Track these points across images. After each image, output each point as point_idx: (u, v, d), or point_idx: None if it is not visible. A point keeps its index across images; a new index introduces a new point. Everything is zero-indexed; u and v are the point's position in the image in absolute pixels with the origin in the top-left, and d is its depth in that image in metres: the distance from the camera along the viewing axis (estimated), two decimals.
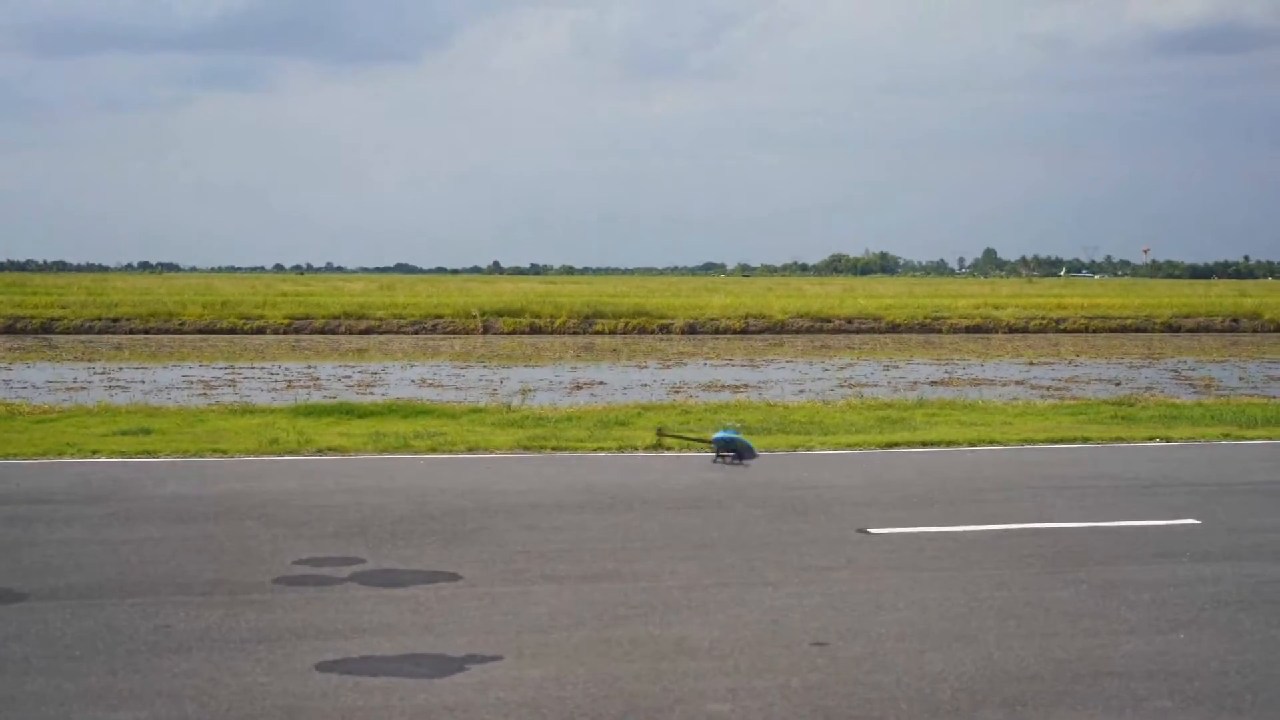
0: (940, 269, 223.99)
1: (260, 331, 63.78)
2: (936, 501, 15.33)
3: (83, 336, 60.59)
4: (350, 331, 64.37)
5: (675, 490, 16.00)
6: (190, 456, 18.60)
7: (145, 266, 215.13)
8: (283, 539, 12.84)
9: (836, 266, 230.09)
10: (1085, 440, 21.15)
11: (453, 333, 64.68)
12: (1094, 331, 69.47)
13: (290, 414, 23.95)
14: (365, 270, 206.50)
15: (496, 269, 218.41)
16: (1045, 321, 71.60)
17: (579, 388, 35.08)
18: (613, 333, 64.87)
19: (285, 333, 63.82)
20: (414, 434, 20.83)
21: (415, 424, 22.35)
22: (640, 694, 8.34)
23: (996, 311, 75.15)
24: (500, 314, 68.63)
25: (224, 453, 18.94)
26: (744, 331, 66.50)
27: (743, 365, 45.22)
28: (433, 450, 19.38)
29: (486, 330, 64.88)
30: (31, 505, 14.62)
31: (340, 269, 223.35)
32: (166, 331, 63.21)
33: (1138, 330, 70.77)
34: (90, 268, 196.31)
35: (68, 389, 33.24)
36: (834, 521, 13.97)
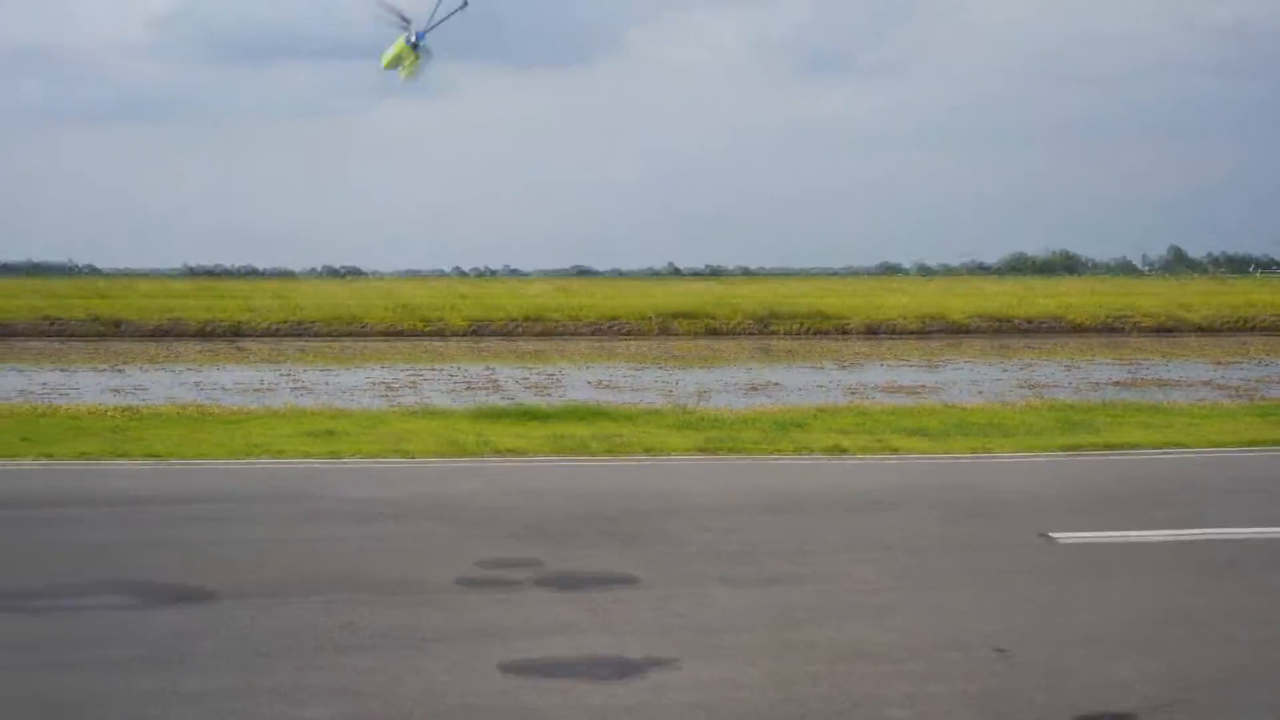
0: (1125, 268, 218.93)
1: (441, 334, 64.70)
2: (1120, 506, 15.02)
3: (270, 340, 62.06)
4: (528, 334, 65.04)
5: (852, 493, 15.90)
6: (373, 458, 18.94)
7: (330, 271, 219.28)
8: (464, 540, 13.02)
9: (1016, 266, 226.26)
10: (1276, 443, 20.54)
11: (629, 335, 64.94)
12: None
13: (470, 416, 24.27)
14: (543, 272, 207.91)
15: (673, 270, 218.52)
16: (1234, 321, 69.69)
17: (755, 389, 35.02)
18: (789, 334, 64.59)
19: (465, 335, 64.67)
20: (591, 436, 20.96)
21: (593, 426, 22.48)
22: (816, 698, 8.30)
23: (1184, 311, 73.33)
24: (677, 316, 68.75)
25: (406, 454, 19.24)
26: (922, 333, 65.78)
27: (920, 367, 44.77)
28: (610, 453, 19.48)
29: (663, 333, 65.04)
30: (220, 504, 15.04)
31: (518, 271, 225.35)
32: (350, 335, 64.44)
33: None
34: (277, 273, 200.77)
35: (255, 391, 34.10)
36: (1014, 525, 13.76)
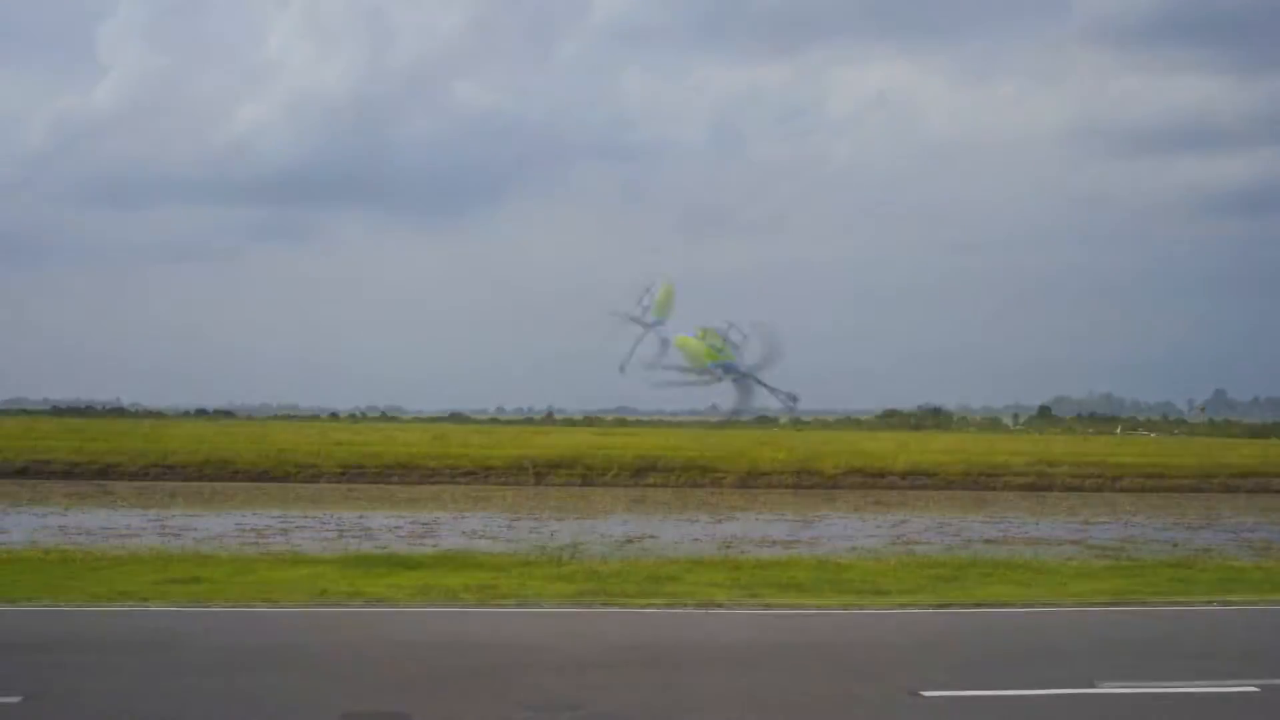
0: (994, 424, 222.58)
1: (314, 480, 63.95)
2: (989, 663, 15.12)
3: (138, 483, 60.93)
4: (403, 481, 64.50)
5: (726, 647, 15.86)
6: (240, 606, 18.59)
7: (201, 412, 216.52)
8: (330, 692, 12.78)
9: (890, 420, 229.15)
10: (1142, 601, 20.83)
11: (505, 483, 64.64)
12: (1151, 490, 68.76)
13: (340, 564, 23.95)
14: (421, 415, 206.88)
15: (549, 418, 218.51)
16: (1101, 479, 70.92)
17: (630, 541, 34.92)
18: (665, 485, 64.65)
19: (339, 481, 63.98)
20: (463, 586, 20.77)
21: (465, 576, 22.28)
22: None
23: (1051, 469, 74.53)
24: (553, 466, 68.61)
25: (273, 603, 18.92)
26: (796, 486, 66.17)
27: (795, 520, 44.96)
28: (482, 603, 19.29)
29: (539, 481, 64.84)
30: (80, 653, 14.64)
31: (398, 409, 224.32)
32: (221, 479, 63.48)
33: (1195, 490, 69.96)
34: (148, 412, 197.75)
35: (121, 535, 33.39)
36: (885, 681, 13.79)
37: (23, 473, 63.61)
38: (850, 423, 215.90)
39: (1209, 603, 21.05)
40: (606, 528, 39.55)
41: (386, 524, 39.67)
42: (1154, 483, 70.93)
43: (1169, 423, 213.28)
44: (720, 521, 43.70)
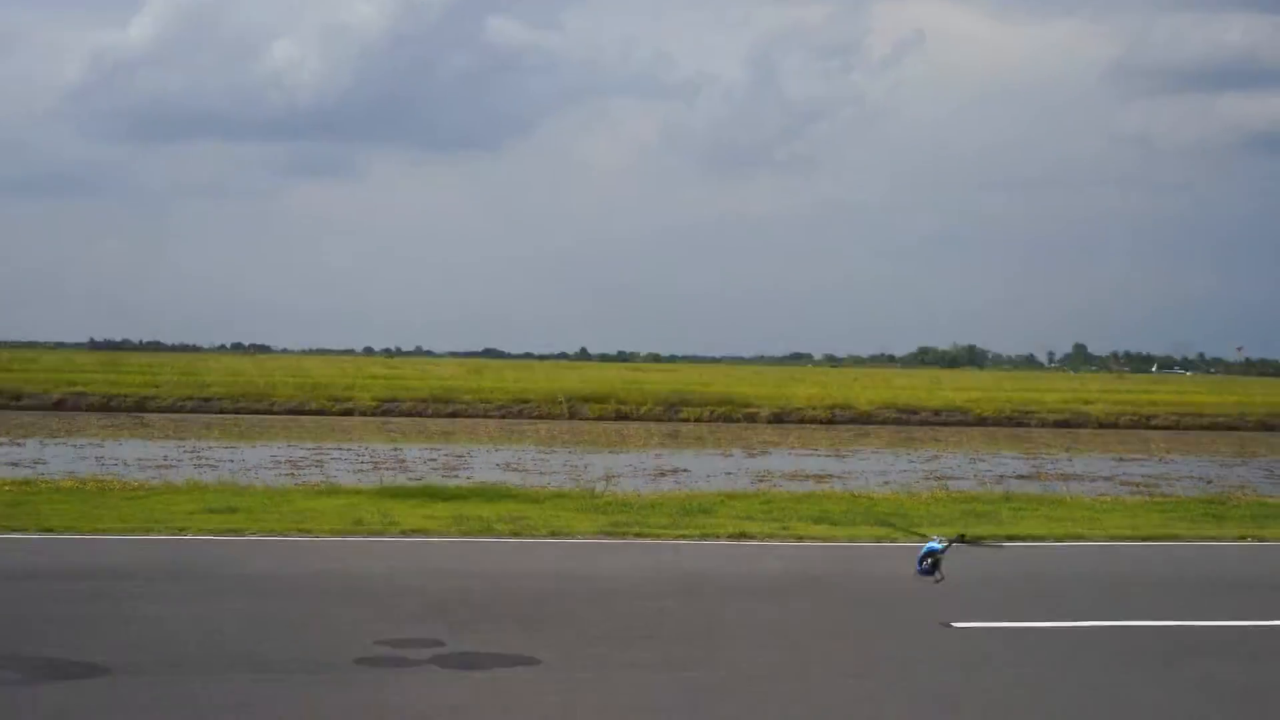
0: (1030, 362, 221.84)
1: (349, 413, 64.33)
2: (1021, 596, 15.15)
3: (175, 415, 61.39)
4: (437, 414, 64.82)
5: (756, 579, 15.92)
6: (276, 535, 18.73)
7: (238, 347, 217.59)
8: (364, 619, 12.88)
9: (924, 359, 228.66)
10: (1174, 538, 20.82)
11: (539, 417, 64.85)
12: (1185, 429, 68.57)
13: (375, 495, 24.09)
14: (454, 354, 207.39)
15: (583, 355, 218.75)
16: (1135, 417, 70.77)
17: (663, 474, 35.02)
18: (698, 420, 64.79)
19: (373, 414, 64.34)
20: (497, 518, 20.86)
21: (499, 508, 22.38)
22: None
23: (1086, 406, 74.39)
24: (586, 400, 68.83)
25: (309, 532, 19.05)
26: (830, 421, 66.24)
27: (828, 455, 45.02)
28: (515, 534, 19.39)
29: (573, 415, 65.03)
30: (118, 581, 14.77)
31: (429, 352, 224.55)
32: (257, 412, 63.93)
33: (1230, 428, 69.71)
34: (184, 348, 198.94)
35: (158, 466, 33.66)
36: (917, 614, 13.82)
37: (59, 405, 64.19)
38: (885, 359, 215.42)
39: (1242, 538, 21.02)
40: (640, 461, 39.65)
41: (421, 456, 39.89)
42: (1189, 420, 70.72)
43: (1206, 362, 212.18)
44: (753, 456, 43.77)
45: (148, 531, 18.80)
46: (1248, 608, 14.66)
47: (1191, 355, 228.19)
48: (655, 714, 9.74)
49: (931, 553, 15.92)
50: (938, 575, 15.65)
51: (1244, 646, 12.72)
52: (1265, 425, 71.13)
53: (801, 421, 65.96)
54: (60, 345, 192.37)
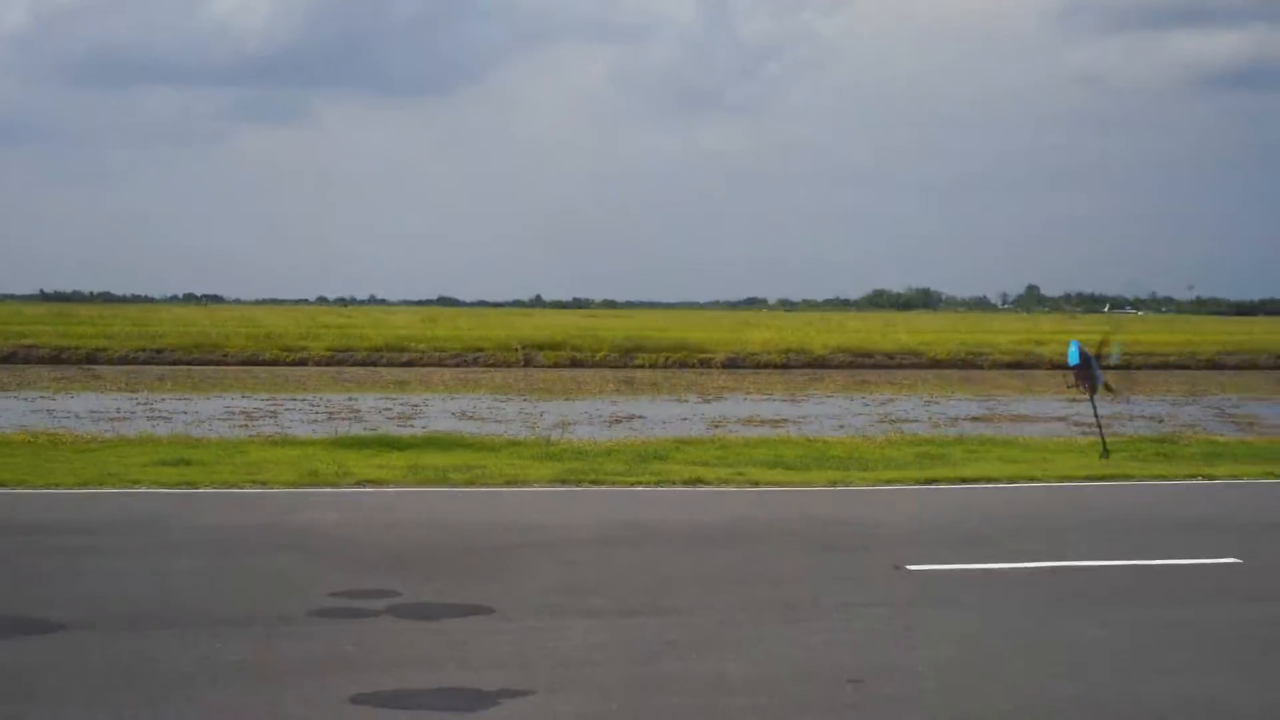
0: (982, 304, 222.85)
1: (302, 363, 64.00)
2: (974, 538, 15.27)
3: (126, 367, 60.93)
4: (391, 364, 64.56)
5: (710, 525, 15.98)
6: (229, 488, 18.67)
7: (190, 298, 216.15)
8: (319, 571, 12.88)
9: (877, 302, 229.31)
10: (1125, 478, 21.02)
11: (493, 365, 64.70)
12: (1137, 368, 69.05)
13: (329, 446, 24.02)
14: (408, 302, 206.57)
15: (538, 302, 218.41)
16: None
17: (618, 421, 35.07)
18: (653, 366, 64.78)
19: (327, 364, 64.03)
20: (452, 467, 20.85)
21: (453, 457, 22.37)
22: None
23: (1038, 347, 74.79)
24: (541, 347, 68.71)
25: (263, 484, 19.00)
26: (784, 366, 66.35)
27: (783, 400, 45.15)
28: (470, 484, 19.39)
29: (527, 363, 64.92)
30: (71, 535, 14.71)
31: (383, 301, 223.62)
32: (209, 363, 63.51)
33: (1180, 367, 70.23)
34: (135, 299, 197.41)
35: (110, 419, 33.44)
36: (871, 558, 13.92)
37: (9, 359, 63.59)
38: (839, 303, 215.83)
39: (1192, 477, 21.23)
40: (594, 408, 39.68)
41: (375, 406, 39.77)
42: (1140, 359, 71.12)
43: (1157, 302, 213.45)
44: (708, 401, 43.86)
45: (100, 485, 18.70)
46: (1195, 545, 14.83)
47: (1143, 295, 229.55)
48: (609, 662, 9.78)
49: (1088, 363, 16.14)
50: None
51: (1192, 585, 12.86)
52: (1214, 364, 71.71)
53: (756, 367, 66.05)
54: (9, 297, 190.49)
